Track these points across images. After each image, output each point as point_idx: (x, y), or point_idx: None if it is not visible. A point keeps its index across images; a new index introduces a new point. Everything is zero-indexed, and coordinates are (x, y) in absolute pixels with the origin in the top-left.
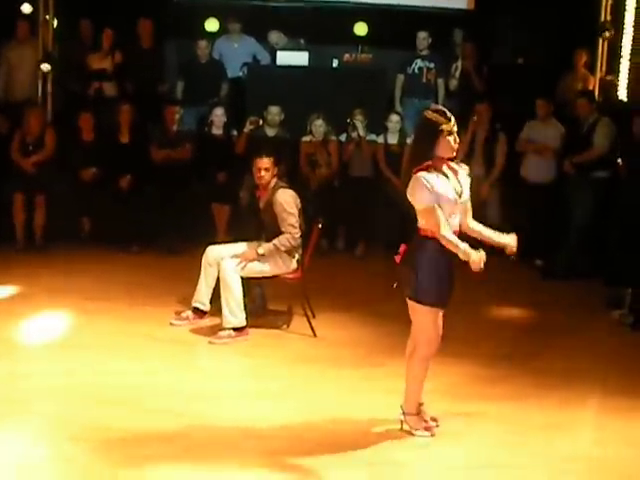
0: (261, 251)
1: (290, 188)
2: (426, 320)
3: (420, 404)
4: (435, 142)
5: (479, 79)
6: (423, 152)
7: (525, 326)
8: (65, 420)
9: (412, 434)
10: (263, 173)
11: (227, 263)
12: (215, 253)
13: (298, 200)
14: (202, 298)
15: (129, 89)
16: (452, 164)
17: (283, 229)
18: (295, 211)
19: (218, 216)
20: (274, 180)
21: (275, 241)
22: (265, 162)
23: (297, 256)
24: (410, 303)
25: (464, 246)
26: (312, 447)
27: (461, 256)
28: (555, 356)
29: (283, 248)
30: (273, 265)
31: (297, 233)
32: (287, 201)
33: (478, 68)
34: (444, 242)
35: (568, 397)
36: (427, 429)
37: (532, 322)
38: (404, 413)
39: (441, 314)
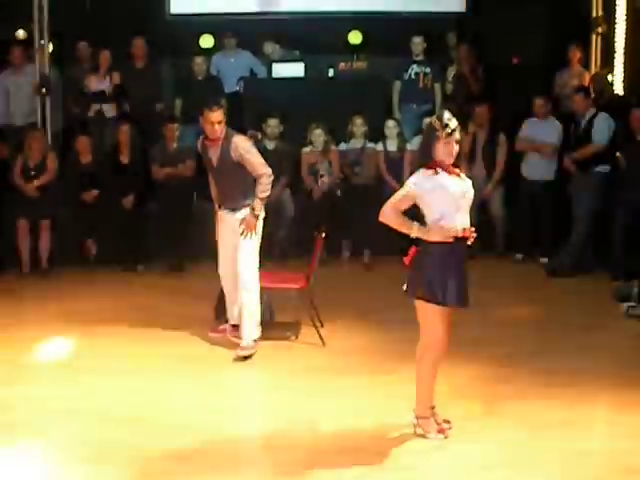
0: (257, 210)
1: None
2: (433, 320)
3: (432, 407)
4: (433, 147)
5: (475, 81)
6: (424, 156)
7: (533, 324)
8: (82, 441)
9: (425, 437)
10: (217, 127)
11: (243, 274)
12: (227, 269)
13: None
14: (234, 313)
15: (127, 109)
16: (456, 170)
17: (255, 173)
18: (256, 150)
19: None
20: (224, 130)
21: (258, 193)
22: (218, 115)
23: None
24: (418, 303)
25: (409, 225)
26: (329, 457)
27: (406, 231)
28: (565, 353)
29: (268, 192)
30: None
31: (269, 170)
32: (246, 144)
33: (473, 70)
34: (385, 219)
35: (580, 393)
36: (440, 432)
37: (540, 320)
38: (416, 417)
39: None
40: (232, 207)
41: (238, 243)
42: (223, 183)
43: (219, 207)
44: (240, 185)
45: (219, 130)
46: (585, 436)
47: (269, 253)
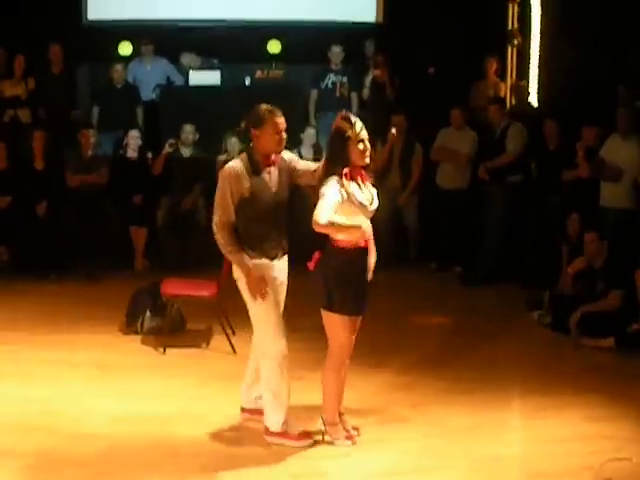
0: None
1: None
2: (337, 327)
3: (341, 414)
4: (346, 150)
5: (392, 89)
6: (337, 161)
7: (445, 333)
8: None
9: (333, 444)
10: (284, 136)
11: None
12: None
13: None
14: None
15: (42, 115)
16: (364, 173)
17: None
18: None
19: (136, 239)
20: None
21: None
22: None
23: None
24: (322, 311)
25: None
26: (236, 463)
27: (350, 230)
28: (475, 361)
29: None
30: None
31: None
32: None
33: (390, 79)
34: (322, 229)
35: (489, 399)
36: (348, 438)
37: (452, 328)
38: (324, 423)
39: (358, 321)
40: (285, 250)
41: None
42: (282, 216)
43: (272, 258)
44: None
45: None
46: (492, 442)
47: (184, 262)
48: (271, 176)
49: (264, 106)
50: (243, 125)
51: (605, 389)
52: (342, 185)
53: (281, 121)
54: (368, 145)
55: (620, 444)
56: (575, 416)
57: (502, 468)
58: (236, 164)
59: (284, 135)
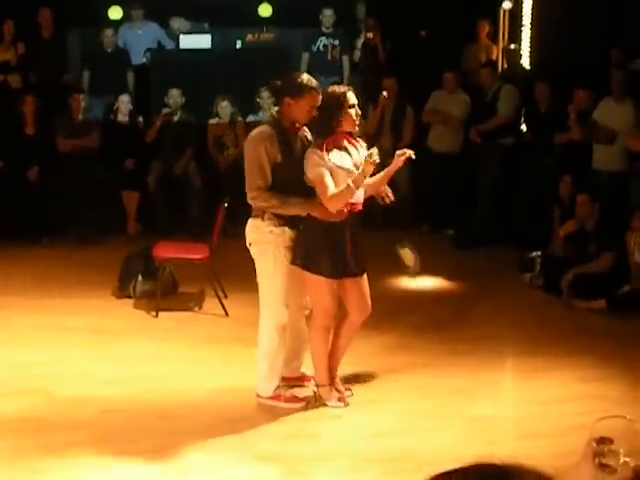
0: None
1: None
2: (319, 291)
3: (334, 376)
4: (338, 116)
5: (383, 52)
6: (326, 128)
7: (438, 295)
8: None
9: (326, 405)
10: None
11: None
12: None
13: None
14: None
15: (33, 80)
16: (352, 139)
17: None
18: None
19: (128, 203)
20: None
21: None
22: None
23: None
24: (303, 273)
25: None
26: (229, 425)
27: (350, 191)
28: (469, 323)
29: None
30: None
31: None
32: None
33: (382, 42)
34: (337, 203)
35: (482, 361)
36: (340, 400)
37: (445, 291)
38: (316, 385)
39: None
40: None
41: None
42: (303, 182)
43: (293, 227)
44: None
45: None
46: (485, 403)
47: (176, 226)
48: (296, 144)
49: (306, 78)
50: (277, 86)
51: (596, 350)
52: (321, 157)
53: (319, 98)
54: (359, 111)
55: (611, 404)
56: (567, 377)
57: (495, 428)
58: (265, 129)
59: (315, 112)
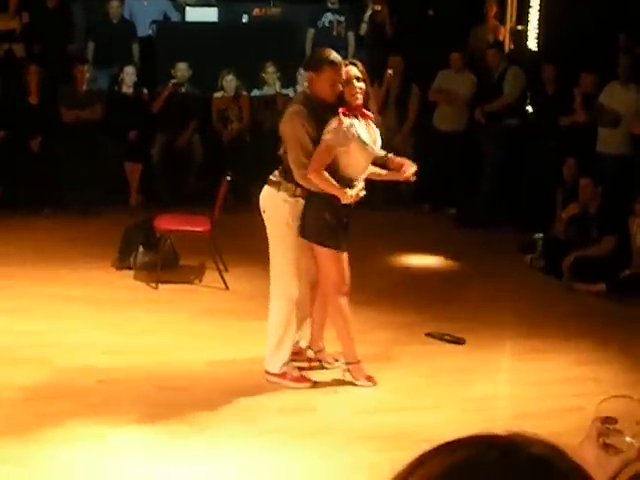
0: None
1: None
2: (337, 264)
3: (319, 350)
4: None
5: (391, 25)
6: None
7: (439, 274)
8: None
9: (355, 384)
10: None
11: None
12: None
13: None
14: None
15: (37, 50)
16: (365, 116)
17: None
18: None
19: (130, 174)
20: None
21: None
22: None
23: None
24: (316, 248)
25: (337, 185)
26: (226, 397)
27: (336, 193)
28: (468, 302)
29: None
30: None
31: None
32: None
33: (389, 16)
34: (313, 183)
35: (480, 341)
36: (369, 379)
37: (446, 270)
38: (346, 363)
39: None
40: None
41: None
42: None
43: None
44: None
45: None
46: (481, 382)
47: (178, 199)
48: (329, 119)
49: (326, 53)
50: (305, 61)
51: (594, 333)
52: (342, 123)
53: (341, 72)
54: (361, 85)
55: (607, 387)
56: (564, 359)
57: (490, 408)
58: (296, 107)
59: (340, 87)
